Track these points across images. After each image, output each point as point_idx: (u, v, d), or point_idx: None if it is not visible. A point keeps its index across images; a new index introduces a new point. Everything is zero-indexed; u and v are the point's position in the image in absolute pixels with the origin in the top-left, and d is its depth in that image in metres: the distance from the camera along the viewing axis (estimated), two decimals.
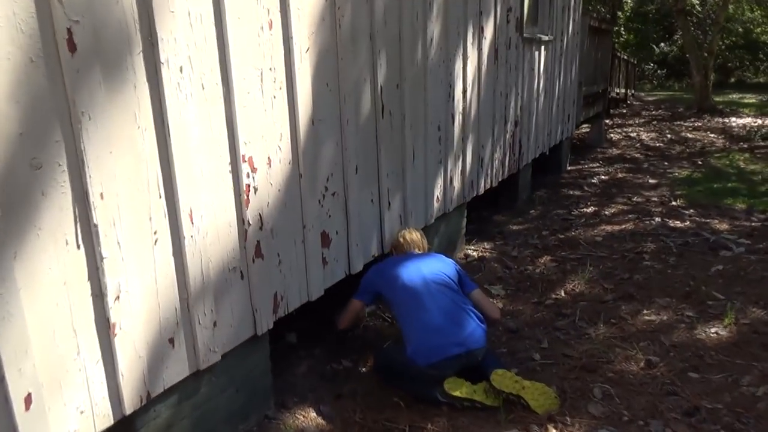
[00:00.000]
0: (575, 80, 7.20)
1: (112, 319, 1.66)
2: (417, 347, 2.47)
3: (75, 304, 1.57)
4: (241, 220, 2.10)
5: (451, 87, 3.70)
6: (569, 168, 7.56)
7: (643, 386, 2.47)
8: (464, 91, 3.92)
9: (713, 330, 2.91)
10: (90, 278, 1.60)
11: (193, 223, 1.88)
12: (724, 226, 4.66)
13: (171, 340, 1.88)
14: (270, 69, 2.15)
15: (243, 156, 2.05)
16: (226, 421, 2.20)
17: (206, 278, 1.96)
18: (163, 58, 1.71)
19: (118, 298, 1.67)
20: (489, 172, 4.57)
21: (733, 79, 24.76)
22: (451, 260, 2.82)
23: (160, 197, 1.78)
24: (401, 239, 2.93)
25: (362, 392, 2.59)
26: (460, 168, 3.99)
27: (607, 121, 10.59)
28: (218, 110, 1.95)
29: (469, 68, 3.93)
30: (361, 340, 3.01)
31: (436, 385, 2.43)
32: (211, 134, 1.93)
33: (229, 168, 2.02)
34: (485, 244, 4.54)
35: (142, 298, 1.75)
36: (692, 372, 2.54)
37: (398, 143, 3.15)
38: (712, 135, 10.18)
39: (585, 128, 10.23)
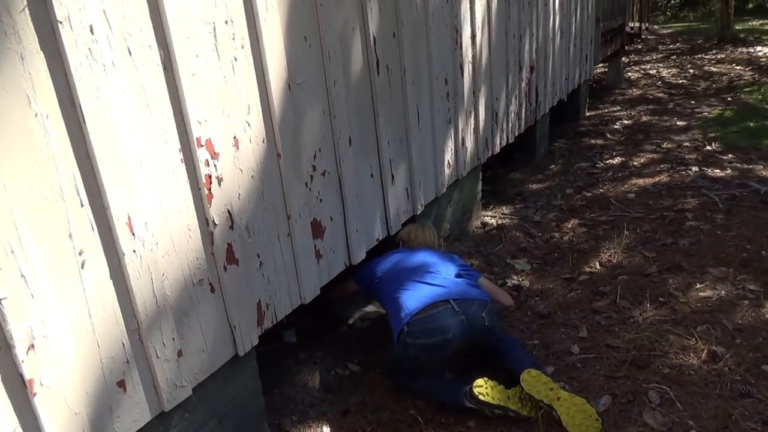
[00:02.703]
0: (593, 15, 6.51)
1: (27, 375, 1.24)
2: (397, 315, 2.15)
3: None
4: (204, 220, 1.65)
5: (457, 32, 3.16)
6: (588, 114, 6.97)
7: (708, 386, 2.05)
8: (473, 36, 3.37)
9: None
10: None
11: (134, 233, 1.43)
12: None
13: (121, 383, 1.47)
14: (226, 22, 1.66)
15: (198, 139, 1.58)
16: None
17: (162, 300, 1.53)
18: (61, 15, 1.23)
19: (32, 347, 1.25)
20: (504, 127, 4.06)
21: (751, 5, 23.30)
22: (455, 256, 2.57)
23: (82, 205, 1.33)
24: (412, 235, 2.66)
25: (372, 405, 2.20)
26: (472, 126, 3.49)
27: (624, 59, 9.85)
28: (156, 82, 1.47)
29: (477, 7, 3.37)
30: (369, 338, 2.61)
31: (460, 387, 2.06)
32: (149, 115, 1.46)
33: (180, 156, 1.56)
34: (503, 208, 4.07)
35: (72, 340, 1.33)
36: (767, 365, 2.12)
37: (399, 104, 2.65)
38: (739, 67, 9.42)
39: (601, 68, 9.54)
